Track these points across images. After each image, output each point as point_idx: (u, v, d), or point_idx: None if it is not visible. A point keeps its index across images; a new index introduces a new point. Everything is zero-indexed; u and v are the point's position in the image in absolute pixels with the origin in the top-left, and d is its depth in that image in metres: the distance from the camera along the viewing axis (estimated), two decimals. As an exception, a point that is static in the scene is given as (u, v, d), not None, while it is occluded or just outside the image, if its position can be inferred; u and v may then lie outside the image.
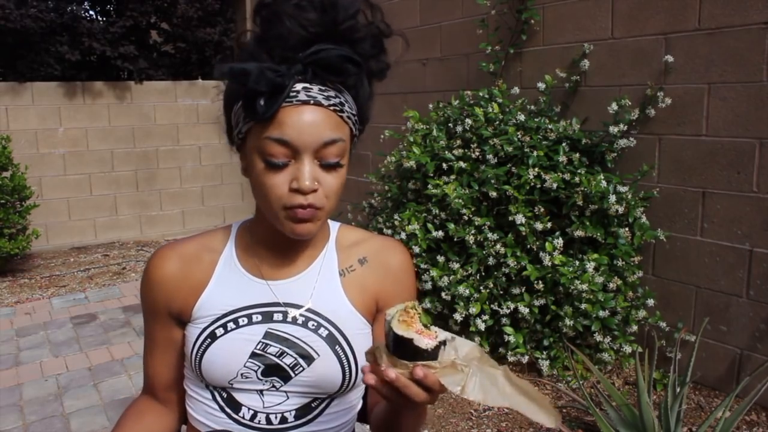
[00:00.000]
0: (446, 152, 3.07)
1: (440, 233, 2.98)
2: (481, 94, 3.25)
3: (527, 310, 2.72)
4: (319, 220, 0.85)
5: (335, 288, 0.94)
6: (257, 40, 0.83)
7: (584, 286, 2.55)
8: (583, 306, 2.62)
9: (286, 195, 0.81)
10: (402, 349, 0.69)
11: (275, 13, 0.80)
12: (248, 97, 0.79)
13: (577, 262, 2.64)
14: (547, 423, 0.69)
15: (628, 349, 2.73)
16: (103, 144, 5.76)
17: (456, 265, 2.90)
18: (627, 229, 2.72)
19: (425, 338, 0.68)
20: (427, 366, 0.68)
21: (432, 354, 0.68)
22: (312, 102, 0.80)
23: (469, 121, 3.03)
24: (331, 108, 0.81)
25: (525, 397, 0.70)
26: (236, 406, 0.91)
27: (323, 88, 0.81)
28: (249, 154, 0.84)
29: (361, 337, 0.93)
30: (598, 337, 2.68)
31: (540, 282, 2.70)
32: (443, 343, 0.69)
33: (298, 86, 0.80)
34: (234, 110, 0.85)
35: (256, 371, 0.89)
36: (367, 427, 1.01)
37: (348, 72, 0.82)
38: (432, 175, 3.11)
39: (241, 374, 0.89)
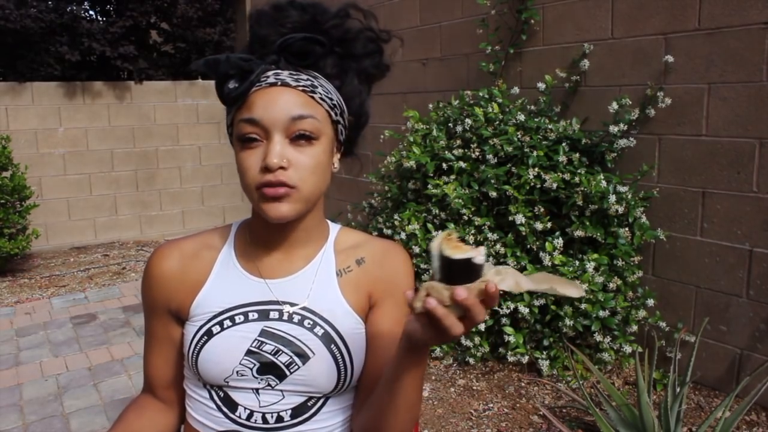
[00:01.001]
0: (446, 152, 3.07)
1: (440, 233, 2.98)
2: (481, 94, 3.25)
3: (527, 310, 2.72)
4: (294, 201, 0.85)
5: (332, 287, 0.94)
6: (247, 47, 0.89)
7: (584, 286, 2.55)
8: (583, 306, 2.62)
9: (258, 174, 0.83)
10: (459, 273, 0.68)
11: (258, 20, 0.87)
12: (219, 84, 0.84)
13: (577, 262, 2.65)
14: (576, 294, 0.71)
15: (628, 349, 2.73)
16: (103, 144, 5.76)
17: (456, 265, 2.90)
18: (627, 229, 2.72)
19: (475, 253, 0.69)
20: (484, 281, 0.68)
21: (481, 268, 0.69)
22: (280, 84, 0.84)
23: (469, 121, 3.03)
24: (300, 88, 0.84)
25: (552, 283, 0.71)
26: (232, 405, 0.91)
27: (294, 73, 0.85)
28: (233, 145, 0.88)
29: (356, 336, 0.93)
30: (598, 337, 2.68)
31: (540, 282, 2.70)
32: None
33: (269, 73, 0.84)
34: (226, 110, 0.90)
35: (251, 369, 0.90)
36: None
37: (314, 53, 0.85)
38: (432, 175, 3.11)
39: (237, 372, 0.90)
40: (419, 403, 0.88)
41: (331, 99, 0.88)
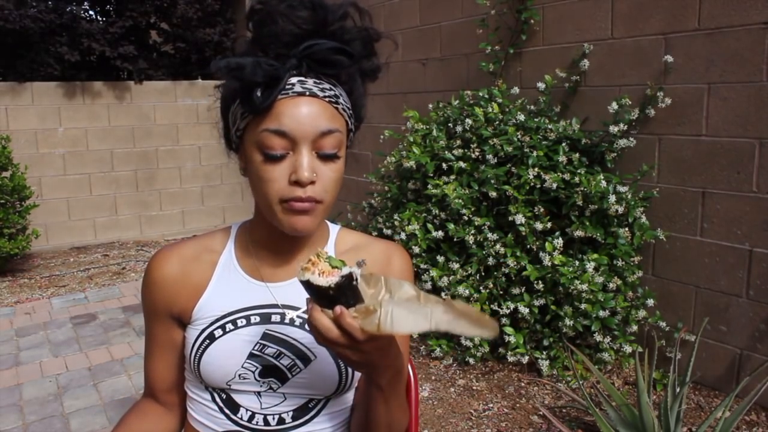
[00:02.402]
0: (446, 152, 3.07)
1: (440, 233, 2.98)
2: (481, 94, 3.25)
3: (527, 310, 2.72)
4: (318, 214, 0.85)
5: None
6: (251, 41, 0.85)
7: (584, 286, 2.55)
8: (583, 306, 2.62)
9: (285, 188, 0.82)
10: (317, 296, 0.69)
11: (268, 13, 0.83)
12: (245, 90, 0.80)
13: (577, 262, 2.64)
14: (485, 336, 0.69)
15: (628, 349, 2.73)
16: (102, 144, 5.76)
17: (456, 265, 2.90)
18: (627, 229, 2.72)
19: (326, 276, 0.68)
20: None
21: (346, 294, 0.68)
22: (308, 93, 0.81)
23: (469, 121, 3.03)
24: (327, 99, 0.83)
25: (460, 319, 0.68)
26: (235, 407, 0.92)
27: (318, 81, 0.83)
28: (247, 150, 0.85)
29: None
30: (598, 337, 2.68)
31: (540, 282, 2.70)
32: (350, 278, 0.68)
33: (294, 79, 0.82)
34: (231, 110, 0.87)
35: (253, 372, 0.90)
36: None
37: (341, 64, 0.83)
38: (432, 175, 3.11)
39: (239, 375, 0.90)
40: (400, 419, 0.89)
41: (349, 108, 0.87)
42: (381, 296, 0.71)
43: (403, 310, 0.68)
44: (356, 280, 0.69)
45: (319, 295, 0.69)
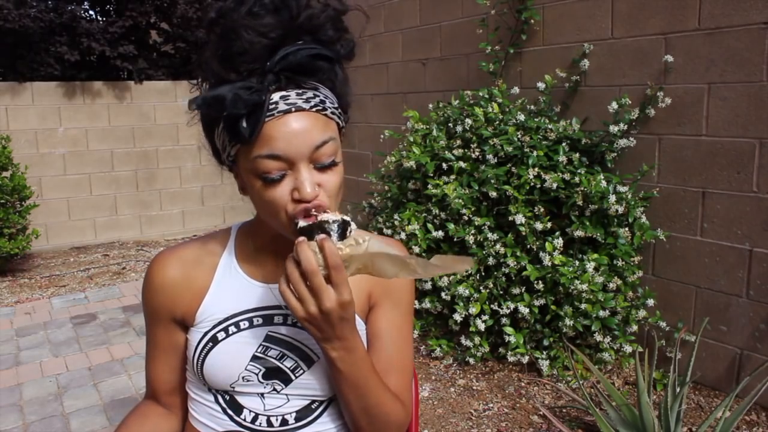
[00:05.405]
0: (446, 152, 3.07)
1: (440, 233, 2.98)
2: (481, 94, 3.25)
3: (527, 310, 2.72)
4: None
5: None
6: (220, 58, 0.79)
7: (584, 286, 2.55)
8: (583, 306, 2.62)
9: (291, 205, 0.80)
10: (311, 234, 0.77)
11: (230, 27, 0.77)
12: (229, 122, 0.77)
13: (577, 262, 2.65)
14: (463, 269, 0.79)
15: (628, 348, 2.73)
16: (103, 144, 5.76)
17: (456, 265, 2.90)
18: (627, 229, 2.72)
19: (328, 214, 0.79)
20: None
21: (338, 234, 0.77)
22: (293, 109, 0.78)
23: (469, 121, 3.03)
24: (314, 110, 0.79)
25: (436, 262, 0.78)
26: (238, 408, 0.92)
27: (300, 91, 0.79)
28: (243, 174, 0.84)
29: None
30: (598, 337, 2.68)
31: (540, 282, 2.70)
32: (346, 224, 0.78)
33: (275, 96, 0.77)
34: (216, 133, 0.84)
35: (257, 374, 0.90)
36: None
37: (321, 69, 0.80)
38: (432, 175, 3.11)
39: (243, 377, 0.90)
40: (380, 405, 0.87)
41: (337, 108, 0.84)
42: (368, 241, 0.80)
43: (388, 249, 0.79)
44: (350, 230, 0.78)
45: (313, 231, 0.77)
